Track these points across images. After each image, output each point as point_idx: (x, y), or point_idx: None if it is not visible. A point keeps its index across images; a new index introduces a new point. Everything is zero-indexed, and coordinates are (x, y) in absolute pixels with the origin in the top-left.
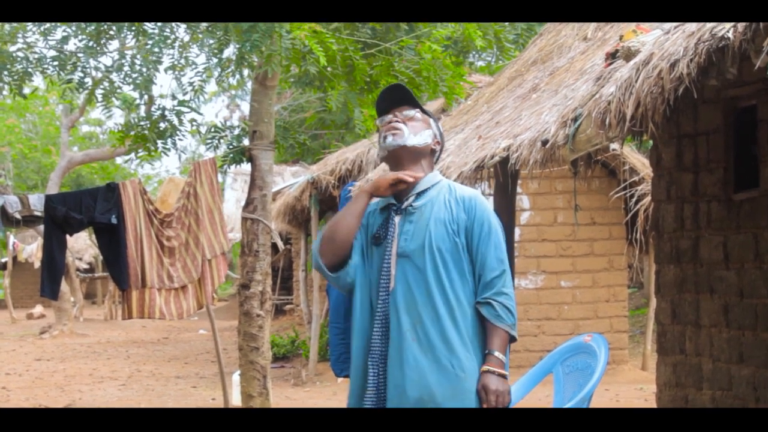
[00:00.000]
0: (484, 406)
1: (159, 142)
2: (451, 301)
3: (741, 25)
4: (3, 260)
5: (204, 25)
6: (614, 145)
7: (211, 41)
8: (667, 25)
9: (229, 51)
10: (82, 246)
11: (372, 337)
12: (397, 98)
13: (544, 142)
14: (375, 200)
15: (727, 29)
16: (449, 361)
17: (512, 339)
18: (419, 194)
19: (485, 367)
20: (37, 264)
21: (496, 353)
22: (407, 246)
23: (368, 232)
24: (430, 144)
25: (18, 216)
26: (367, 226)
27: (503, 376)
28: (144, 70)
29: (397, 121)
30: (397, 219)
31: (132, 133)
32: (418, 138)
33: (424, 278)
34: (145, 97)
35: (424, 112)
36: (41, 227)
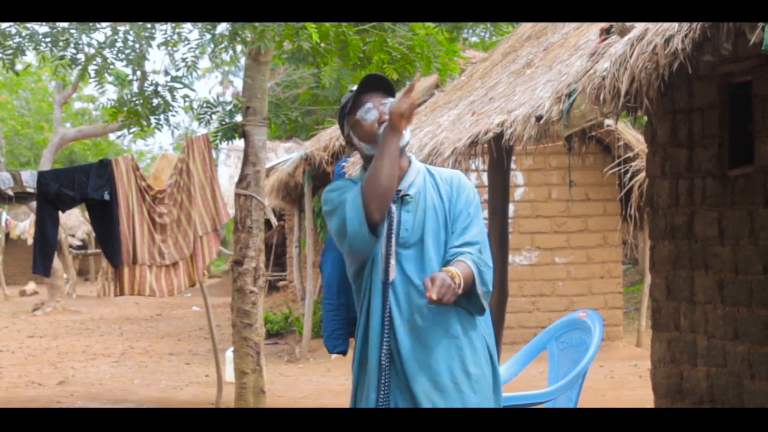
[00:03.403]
0: (427, 294)
1: (152, 117)
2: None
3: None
4: None
5: None
6: (609, 121)
7: None
8: None
9: (222, 27)
10: (75, 222)
11: (371, 327)
12: (374, 87)
13: (539, 118)
14: (343, 187)
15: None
16: (453, 347)
17: (477, 296)
18: (410, 183)
19: (446, 268)
20: (30, 241)
21: (453, 267)
22: (408, 237)
23: None
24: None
25: (10, 193)
26: None
27: (453, 276)
28: (137, 46)
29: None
30: (393, 207)
31: (125, 109)
32: (410, 133)
33: (422, 269)
34: (138, 73)
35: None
36: (34, 204)
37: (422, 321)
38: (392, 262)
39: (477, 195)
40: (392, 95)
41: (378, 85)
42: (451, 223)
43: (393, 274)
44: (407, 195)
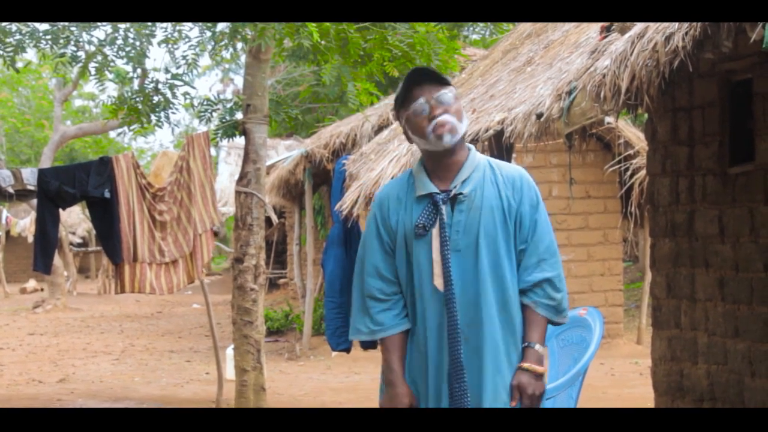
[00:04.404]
0: (513, 404)
1: (152, 115)
2: (507, 299)
3: None
4: None
5: None
6: (609, 119)
7: None
8: None
9: (223, 25)
10: (76, 220)
11: (420, 338)
12: (426, 79)
13: (539, 116)
14: (392, 185)
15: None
16: (502, 362)
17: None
18: (465, 180)
19: (523, 364)
20: (31, 238)
21: (536, 346)
22: (460, 240)
23: (399, 225)
24: (468, 123)
25: (11, 190)
26: (391, 218)
27: (540, 375)
28: (137, 43)
29: (444, 115)
30: (444, 209)
31: (125, 106)
32: (464, 124)
33: (477, 275)
34: (139, 70)
35: (448, 81)
36: (34, 201)
37: (475, 330)
38: (441, 269)
39: (538, 194)
40: (445, 84)
41: (429, 78)
42: (514, 227)
43: (442, 281)
44: (461, 194)
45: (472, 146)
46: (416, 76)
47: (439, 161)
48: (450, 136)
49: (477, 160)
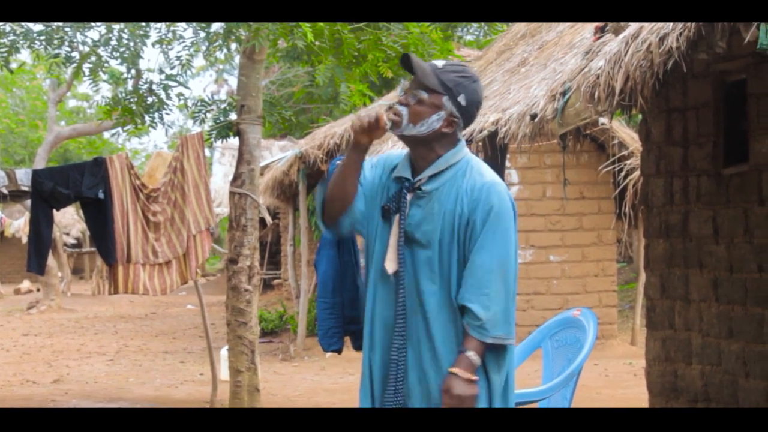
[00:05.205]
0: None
1: (146, 116)
2: (451, 302)
3: None
4: None
5: None
6: (603, 119)
7: None
8: None
9: (217, 25)
10: (70, 221)
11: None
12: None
13: (533, 116)
14: (393, 156)
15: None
16: (444, 357)
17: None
18: (433, 175)
19: (452, 369)
20: (25, 239)
21: (469, 353)
22: (413, 232)
23: (382, 194)
24: (439, 128)
25: (5, 191)
26: (381, 185)
27: (470, 381)
28: (131, 44)
29: (400, 104)
30: (409, 197)
31: (119, 107)
32: (419, 127)
33: (426, 270)
34: (133, 71)
35: (436, 90)
36: (28, 202)
37: (422, 321)
38: (395, 254)
39: (502, 207)
40: (422, 86)
41: (419, 77)
42: (465, 235)
43: (394, 266)
44: (420, 189)
45: (463, 145)
46: (411, 69)
47: (412, 148)
48: (389, 124)
49: (458, 158)
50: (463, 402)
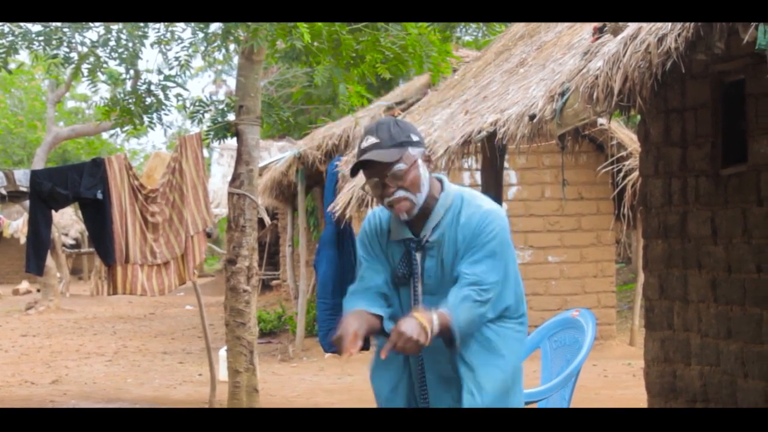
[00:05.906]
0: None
1: (144, 116)
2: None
3: None
4: None
5: None
6: (602, 120)
7: None
8: None
9: (215, 26)
10: (68, 221)
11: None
12: (372, 164)
13: (532, 117)
14: (379, 213)
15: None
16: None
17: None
18: (435, 226)
19: (414, 313)
20: (23, 239)
21: (435, 316)
22: (432, 283)
23: (390, 260)
24: (429, 175)
25: (3, 192)
26: (385, 252)
27: (423, 327)
28: (130, 45)
29: (398, 192)
30: (418, 256)
31: (118, 107)
32: (424, 188)
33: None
34: (131, 71)
35: (401, 154)
36: (27, 203)
37: (445, 366)
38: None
39: (500, 233)
40: (394, 156)
41: (375, 163)
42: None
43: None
44: (428, 242)
45: (444, 180)
46: (362, 164)
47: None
48: (407, 214)
49: (449, 201)
50: (406, 342)
